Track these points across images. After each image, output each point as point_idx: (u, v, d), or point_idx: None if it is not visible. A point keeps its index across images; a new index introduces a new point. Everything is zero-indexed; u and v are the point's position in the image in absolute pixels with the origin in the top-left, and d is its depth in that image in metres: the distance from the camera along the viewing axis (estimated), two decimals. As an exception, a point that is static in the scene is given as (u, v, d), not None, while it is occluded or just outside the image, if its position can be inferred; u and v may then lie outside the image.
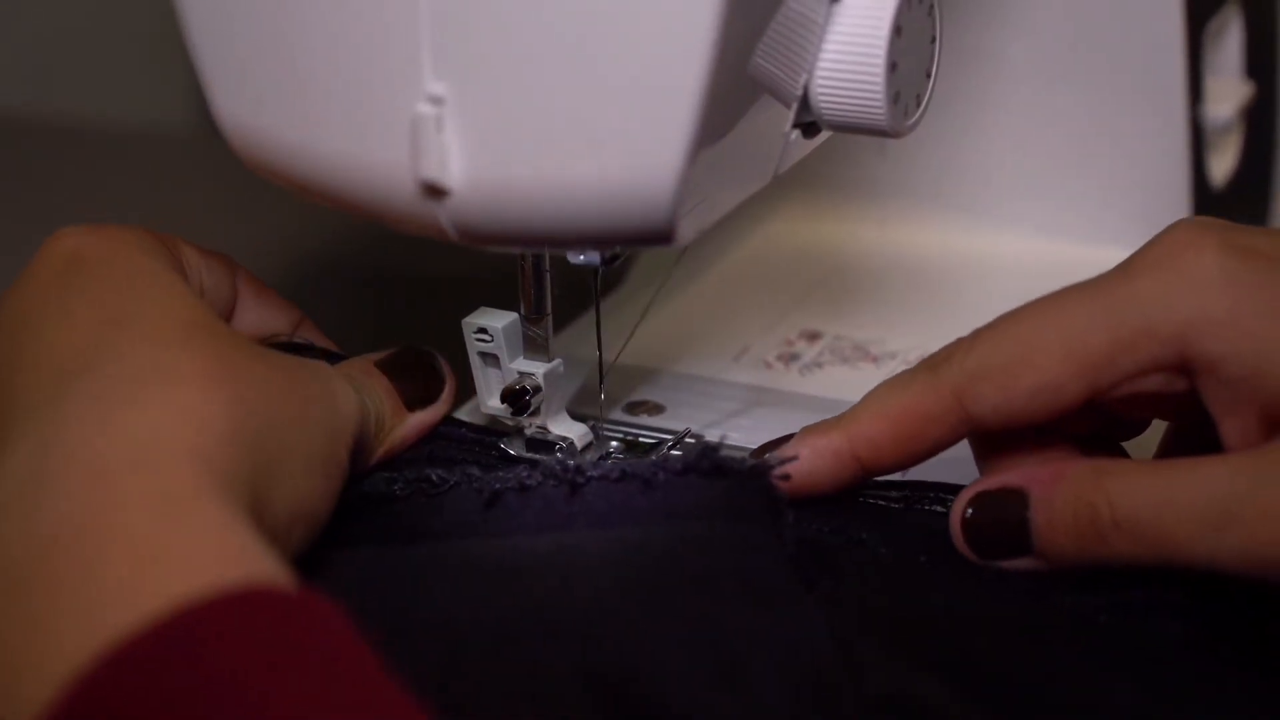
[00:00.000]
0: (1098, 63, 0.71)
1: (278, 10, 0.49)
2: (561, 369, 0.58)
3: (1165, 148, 0.71)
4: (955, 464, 0.54)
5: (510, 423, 0.58)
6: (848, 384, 0.55)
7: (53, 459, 0.44)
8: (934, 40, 0.54)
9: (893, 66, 0.51)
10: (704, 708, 0.45)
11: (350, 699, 0.38)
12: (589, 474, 0.52)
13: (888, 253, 0.74)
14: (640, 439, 0.60)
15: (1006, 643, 0.49)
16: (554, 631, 0.48)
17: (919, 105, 0.54)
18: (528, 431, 0.58)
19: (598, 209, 0.48)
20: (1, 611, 0.41)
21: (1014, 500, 0.51)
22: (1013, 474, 0.52)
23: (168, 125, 1.12)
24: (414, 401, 0.56)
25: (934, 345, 0.53)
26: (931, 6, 0.53)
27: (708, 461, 0.51)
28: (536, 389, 0.57)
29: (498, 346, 0.57)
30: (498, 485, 0.52)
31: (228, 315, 0.57)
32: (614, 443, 0.60)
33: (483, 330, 0.57)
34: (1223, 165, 0.76)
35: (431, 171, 0.48)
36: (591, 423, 0.59)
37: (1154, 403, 0.51)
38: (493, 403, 0.58)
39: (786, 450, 0.53)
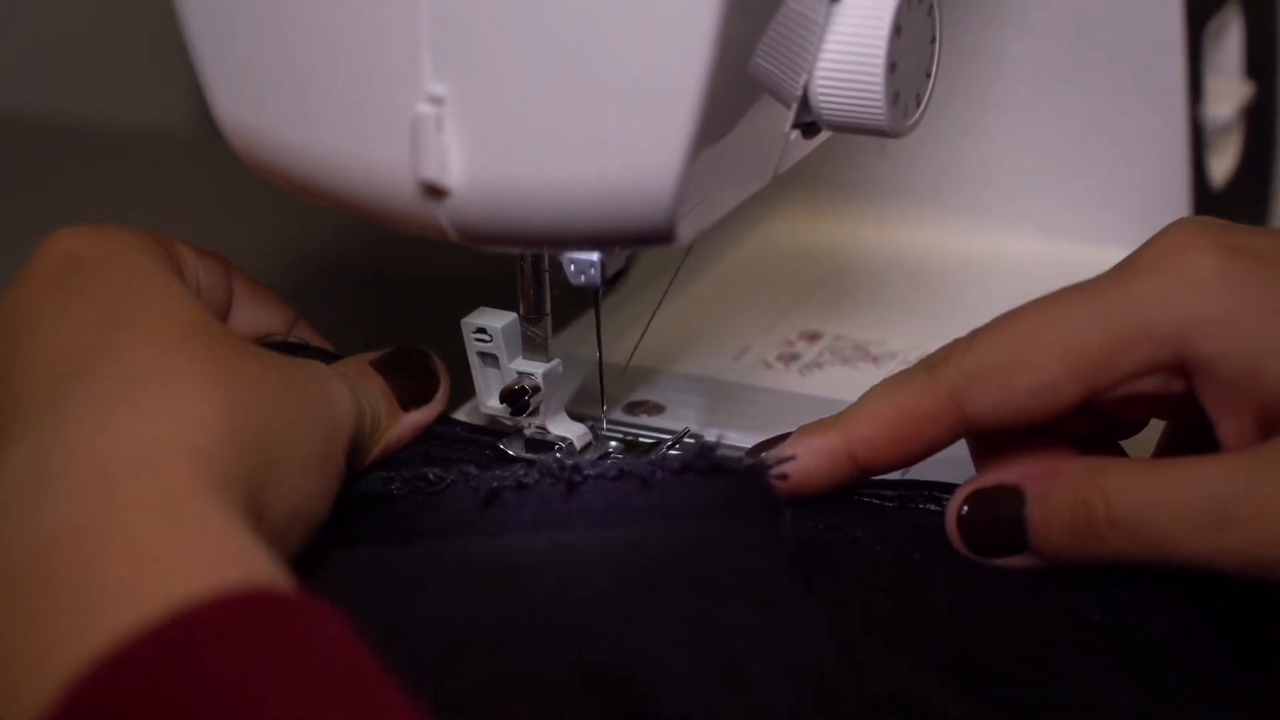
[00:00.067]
0: (1098, 63, 0.71)
1: (278, 10, 0.49)
2: (560, 369, 0.58)
3: (1165, 148, 0.71)
4: (953, 463, 0.54)
5: (509, 423, 0.58)
6: (848, 384, 0.55)
7: (52, 460, 0.44)
8: (934, 40, 0.54)
9: (892, 66, 0.51)
10: (704, 707, 0.45)
11: (348, 701, 0.38)
12: (586, 472, 0.52)
13: (888, 253, 0.74)
14: (640, 439, 0.60)
15: (1007, 642, 0.49)
16: (551, 630, 0.48)
17: (919, 105, 0.54)
18: (527, 432, 0.58)
19: (598, 209, 0.48)
20: (1, 612, 0.41)
21: (1010, 498, 0.51)
22: (1009, 471, 0.52)
23: (168, 125, 1.12)
24: (409, 401, 0.56)
25: (934, 345, 0.53)
26: (931, 6, 0.54)
27: (705, 461, 0.51)
28: (535, 389, 0.57)
29: (497, 346, 0.57)
30: (495, 484, 0.52)
31: (224, 315, 0.57)
32: (613, 443, 0.60)
33: (482, 330, 0.57)
34: (1223, 165, 0.76)
35: (431, 172, 0.48)
36: (591, 423, 0.59)
37: (1151, 403, 0.51)
38: (492, 403, 0.58)
39: (783, 450, 0.53)
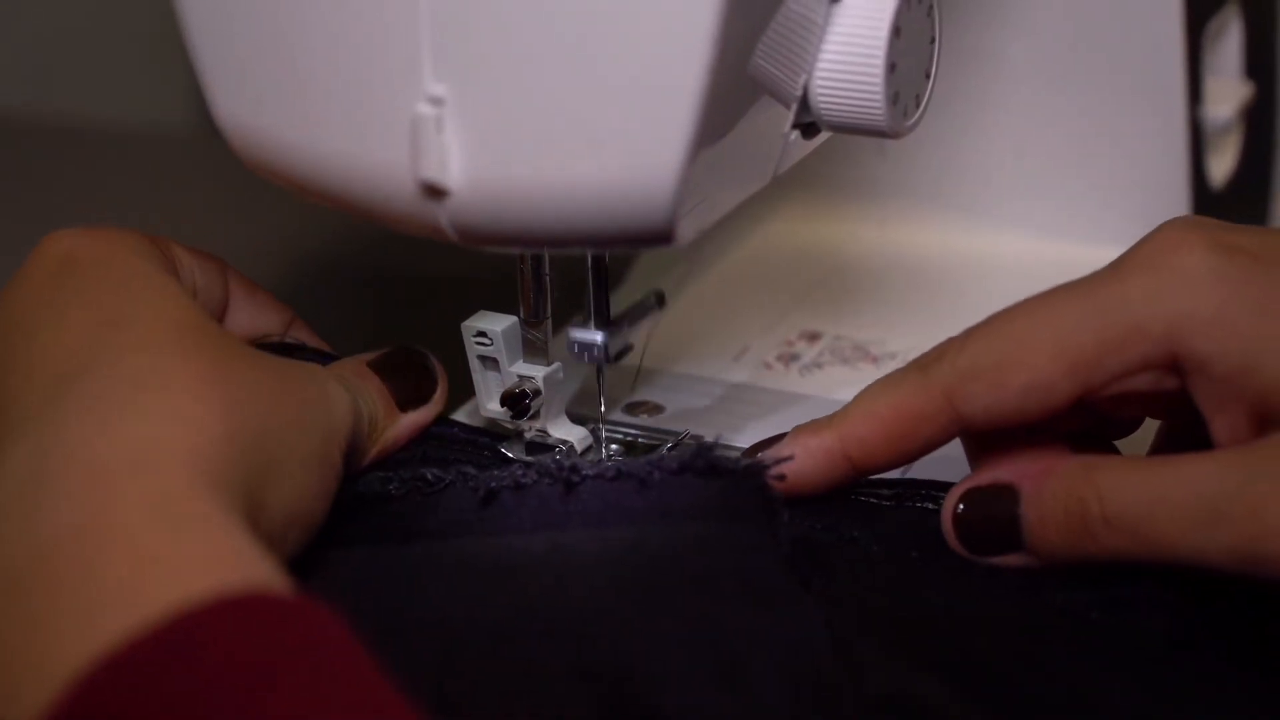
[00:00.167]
0: (1098, 63, 0.71)
1: (278, 10, 0.49)
2: (561, 373, 0.58)
3: (1165, 148, 0.71)
4: (950, 462, 0.54)
5: (510, 426, 0.58)
6: (848, 384, 0.55)
7: (52, 460, 0.44)
8: (933, 41, 0.54)
9: (892, 67, 0.51)
10: (703, 708, 0.45)
11: (346, 702, 0.38)
12: (584, 473, 0.52)
13: (888, 253, 0.74)
14: (640, 440, 0.60)
15: (1004, 641, 0.49)
16: (550, 631, 0.48)
17: (918, 106, 0.54)
18: (527, 435, 0.58)
19: (598, 209, 0.48)
20: (1, 612, 0.41)
21: (1005, 496, 0.51)
22: (1004, 470, 0.52)
23: (168, 125, 1.12)
24: (407, 402, 0.56)
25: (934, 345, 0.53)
26: (931, 7, 0.54)
27: (703, 461, 0.51)
28: (536, 392, 0.57)
29: (497, 350, 0.57)
30: (493, 484, 0.52)
31: (220, 316, 0.57)
32: (614, 444, 0.60)
33: (482, 334, 0.57)
34: (1222, 166, 0.76)
35: (431, 172, 0.48)
36: (591, 424, 0.59)
37: (1145, 401, 0.51)
38: (492, 406, 0.58)
39: (779, 450, 0.53)
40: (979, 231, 0.74)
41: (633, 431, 0.61)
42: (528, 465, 0.53)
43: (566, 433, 0.58)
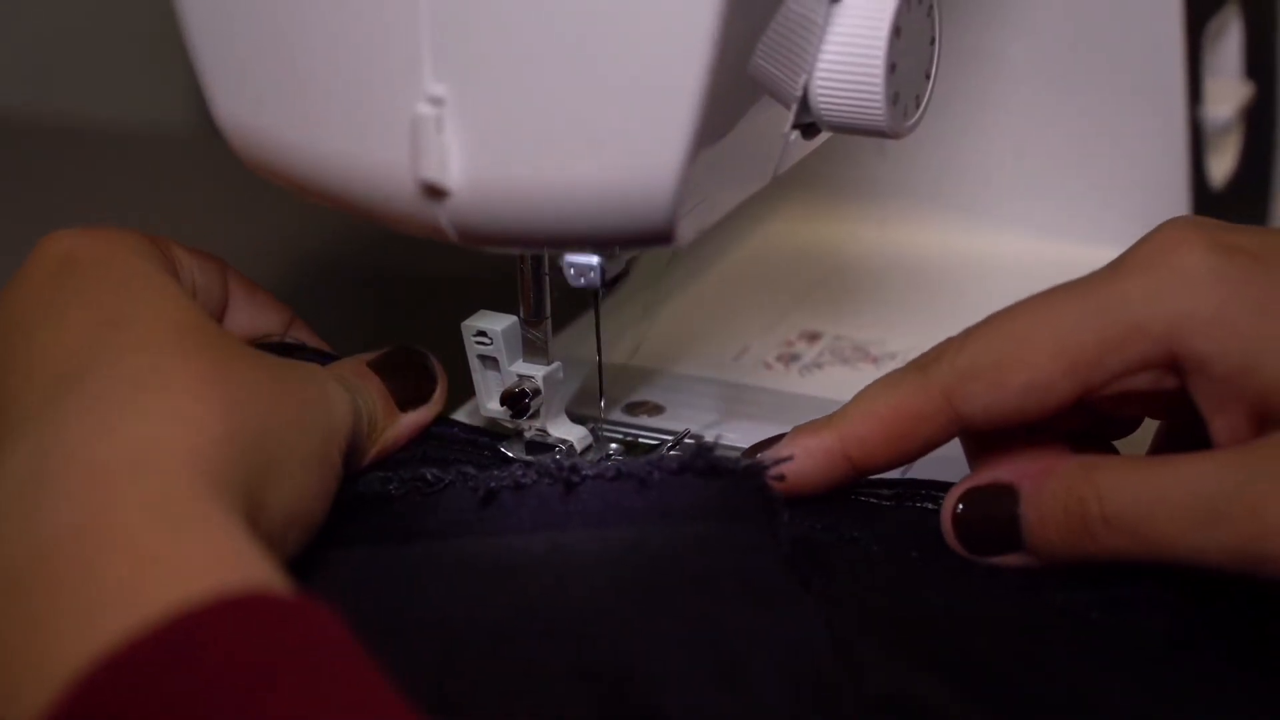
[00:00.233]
0: (1098, 63, 0.71)
1: (278, 10, 0.49)
2: (561, 373, 0.58)
3: (1165, 148, 0.71)
4: (950, 463, 0.54)
5: (510, 425, 0.58)
6: (848, 384, 0.55)
7: (52, 461, 0.44)
8: (933, 41, 0.54)
9: (892, 67, 0.51)
10: (703, 708, 0.45)
11: (345, 702, 0.38)
12: (584, 473, 0.52)
13: (888, 253, 0.74)
14: (640, 440, 0.60)
15: (1004, 641, 0.49)
16: (550, 631, 0.48)
17: (918, 106, 0.54)
18: (527, 434, 0.58)
19: (598, 209, 0.48)
20: (1, 612, 0.41)
21: (1005, 496, 0.51)
22: (1003, 469, 0.52)
23: (168, 125, 1.12)
24: (406, 401, 0.56)
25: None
26: (931, 7, 0.54)
27: (703, 461, 0.51)
28: (536, 392, 0.57)
29: (497, 349, 0.57)
30: (493, 484, 0.52)
31: (220, 316, 0.57)
32: (614, 444, 0.60)
33: (482, 333, 0.57)
34: (1222, 166, 0.76)
35: (431, 172, 0.48)
36: (591, 424, 0.59)
37: (1144, 401, 0.51)
38: (492, 405, 0.58)
39: (778, 450, 0.53)
40: (979, 231, 0.74)
41: (633, 431, 0.61)
42: (527, 465, 0.53)
43: (566, 432, 0.58)
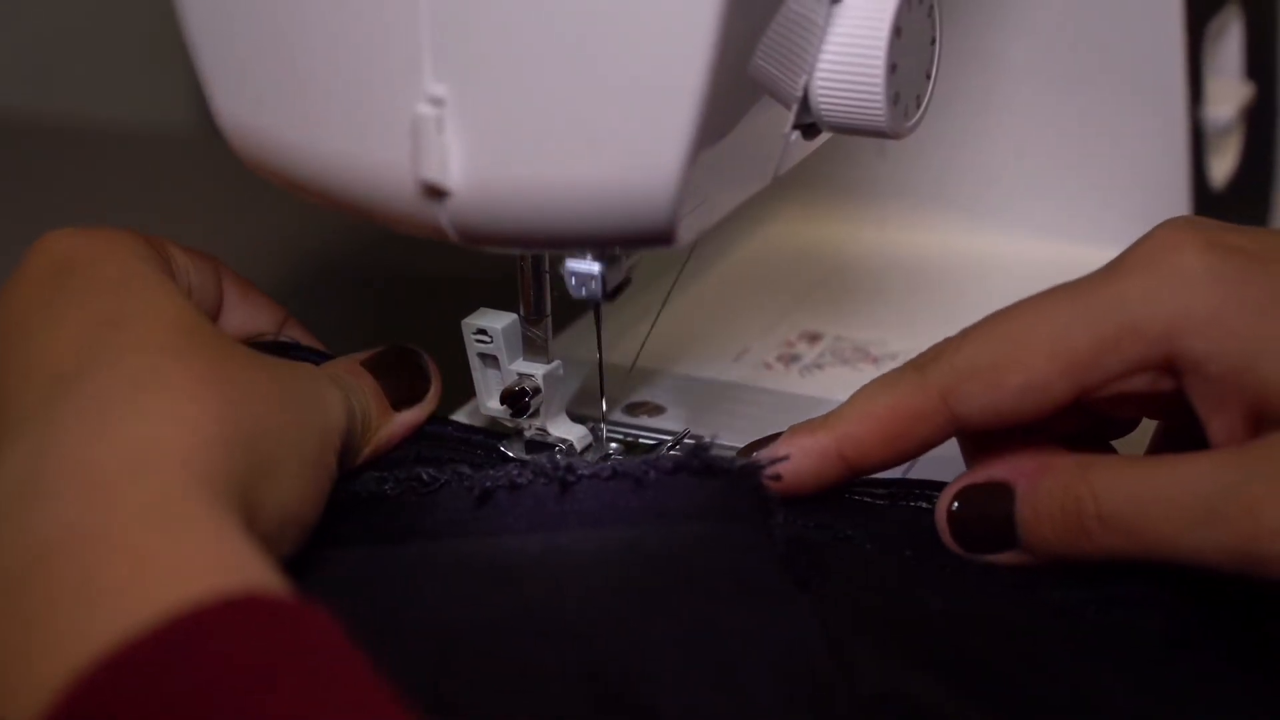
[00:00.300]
0: (1098, 63, 0.71)
1: (278, 10, 0.49)
2: (561, 371, 0.58)
3: (1165, 148, 0.71)
4: (951, 463, 0.54)
5: (510, 424, 0.58)
6: (848, 385, 0.55)
7: (49, 464, 0.43)
8: (934, 41, 0.54)
9: (892, 68, 0.51)
10: (699, 708, 0.45)
11: (342, 703, 0.38)
12: (580, 472, 0.52)
13: (888, 254, 0.74)
14: (640, 440, 0.60)
15: (999, 640, 0.49)
16: (546, 631, 0.48)
17: (919, 106, 0.54)
18: (527, 433, 0.58)
19: (598, 210, 0.48)
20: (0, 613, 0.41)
21: (1000, 494, 0.51)
22: (999, 468, 0.52)
23: (168, 125, 1.12)
24: (401, 401, 0.56)
25: (934, 346, 0.53)
26: (931, 8, 0.53)
27: (698, 461, 0.51)
28: (536, 390, 0.57)
29: (497, 348, 0.57)
30: (489, 483, 0.52)
31: (214, 315, 0.57)
32: (614, 444, 0.60)
33: (482, 331, 0.57)
34: (1223, 166, 0.76)
35: (432, 172, 0.48)
36: (591, 424, 0.59)
37: (1141, 402, 0.51)
38: (492, 404, 0.58)
39: (774, 450, 0.53)
40: (979, 232, 0.74)
41: (633, 431, 0.61)
42: (523, 465, 0.53)
43: (566, 431, 0.58)
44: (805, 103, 0.52)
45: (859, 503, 0.54)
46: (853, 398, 0.53)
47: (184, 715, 0.38)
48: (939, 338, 0.53)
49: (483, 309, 0.57)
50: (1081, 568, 0.51)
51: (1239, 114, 0.74)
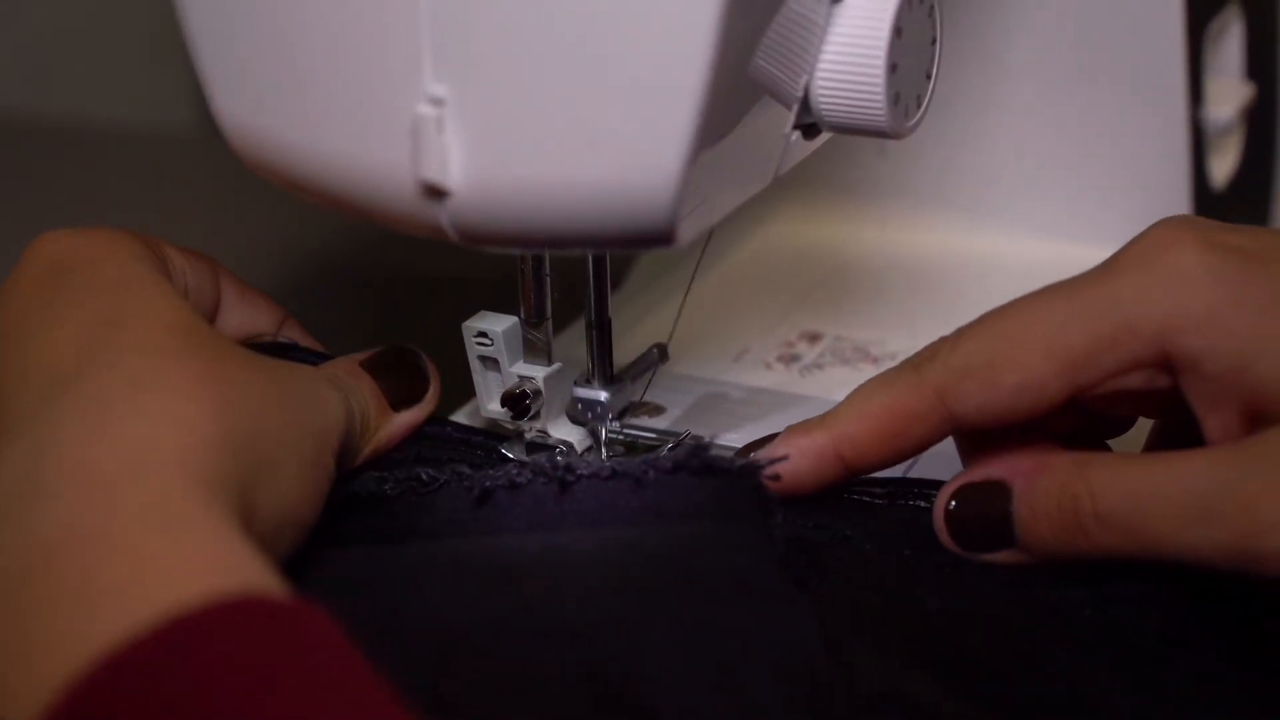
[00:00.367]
0: (1098, 64, 0.70)
1: (278, 10, 0.49)
2: (562, 373, 0.58)
3: (1166, 149, 0.71)
4: (948, 461, 0.54)
5: (510, 426, 0.58)
6: (848, 385, 0.55)
7: (48, 466, 0.43)
8: (934, 41, 0.54)
9: (893, 68, 0.51)
10: (698, 708, 0.45)
11: (341, 704, 0.38)
12: (579, 472, 0.51)
13: (888, 254, 0.74)
14: (640, 440, 0.60)
15: (998, 639, 0.49)
16: (545, 631, 0.47)
17: (919, 106, 0.54)
18: (528, 435, 0.58)
19: (598, 210, 0.48)
20: (-1, 613, 0.41)
21: (997, 492, 0.51)
22: (996, 466, 0.52)
23: (168, 125, 1.12)
24: (399, 401, 0.56)
25: (934, 347, 0.53)
26: (932, 8, 0.53)
27: (697, 461, 0.51)
28: (536, 393, 0.57)
29: (497, 350, 0.57)
30: (488, 483, 0.52)
31: (212, 316, 0.57)
32: (614, 445, 0.60)
33: (483, 334, 0.57)
34: (1223, 166, 0.76)
35: (432, 172, 0.48)
36: (591, 425, 0.59)
37: (1137, 400, 0.51)
38: (493, 406, 0.58)
39: (773, 450, 0.53)
40: (980, 232, 0.74)
41: (633, 432, 0.61)
42: (522, 464, 0.53)
43: (567, 433, 0.58)
44: (806, 103, 0.52)
45: (857, 502, 0.54)
46: (849, 397, 0.53)
47: (183, 715, 0.38)
48: (938, 337, 0.53)
49: (483, 312, 0.57)
50: (1079, 566, 0.51)
51: (1239, 114, 0.74)
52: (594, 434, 0.59)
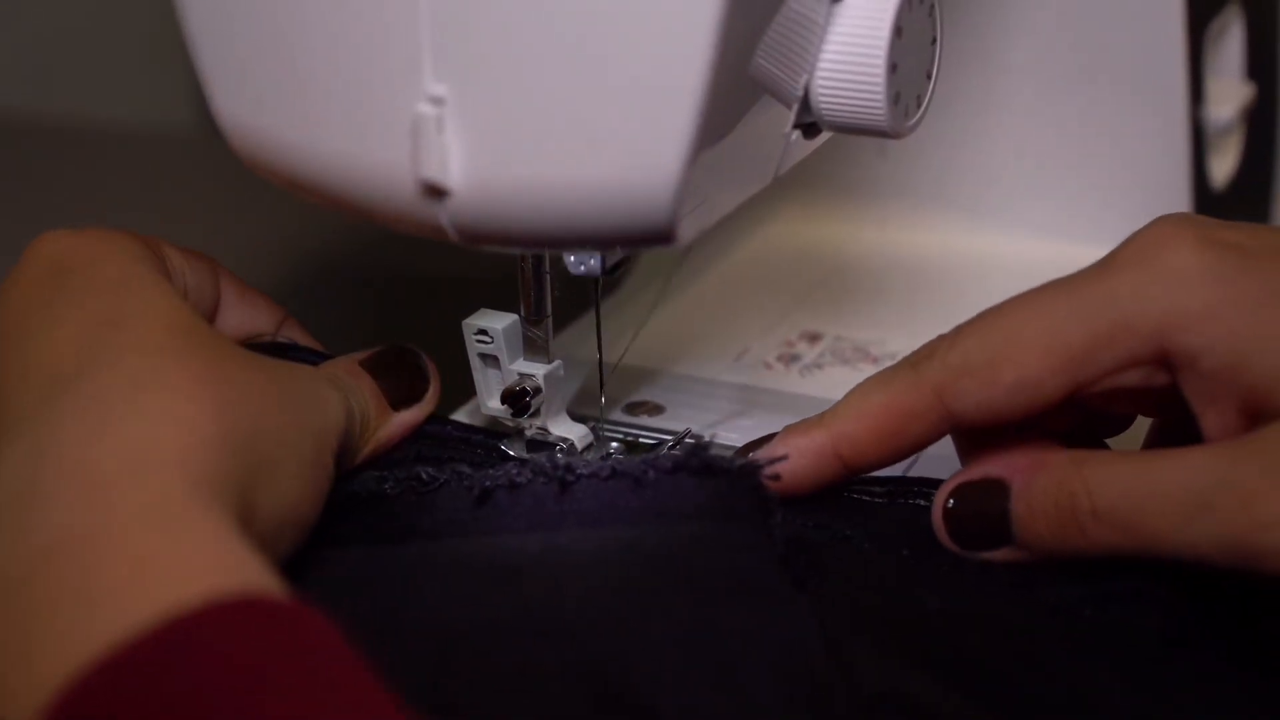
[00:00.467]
0: (1098, 64, 0.71)
1: (278, 10, 0.49)
2: (561, 371, 0.58)
3: (1166, 149, 0.71)
4: (948, 461, 0.54)
5: (510, 424, 0.58)
6: (848, 385, 0.55)
7: (47, 467, 0.43)
8: (934, 41, 0.54)
9: (893, 67, 0.51)
10: (698, 708, 0.45)
11: (340, 705, 0.38)
12: (579, 471, 0.51)
13: (888, 254, 0.74)
14: (640, 440, 0.60)
15: (997, 639, 0.49)
16: (545, 631, 0.47)
17: (919, 106, 0.54)
18: (528, 433, 0.58)
19: (598, 209, 0.48)
20: (-2, 615, 0.41)
21: (995, 490, 0.51)
22: (994, 464, 0.52)
23: (168, 125, 1.12)
24: (399, 401, 0.56)
25: (935, 347, 0.53)
26: (932, 7, 0.53)
27: (697, 460, 0.51)
28: (536, 390, 0.57)
29: (498, 348, 0.57)
30: (488, 483, 0.52)
31: (211, 316, 0.57)
32: (614, 444, 0.60)
33: (483, 332, 0.57)
34: (1223, 166, 0.76)
35: (432, 172, 0.48)
36: (592, 424, 0.59)
37: (1135, 398, 0.51)
38: (493, 404, 0.58)
39: (772, 450, 0.53)
40: (980, 232, 0.74)
41: (633, 431, 0.61)
42: (522, 464, 0.52)
43: (567, 431, 0.58)
44: (806, 102, 0.52)
45: (856, 501, 0.54)
46: (847, 396, 0.53)
47: (183, 716, 0.38)
48: (936, 336, 0.53)
49: (483, 309, 0.57)
50: (1077, 564, 0.51)
51: (1239, 114, 0.74)
52: (596, 287, 0.57)
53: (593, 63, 0.46)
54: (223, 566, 0.41)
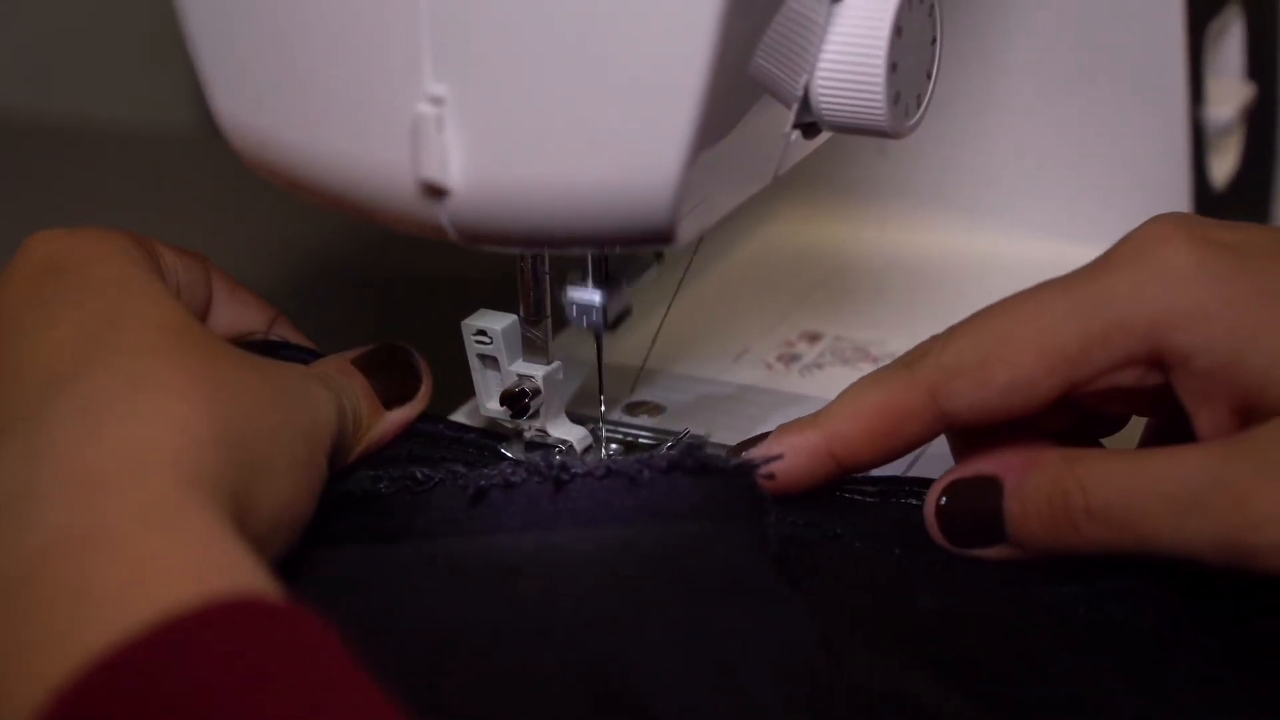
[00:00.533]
0: (1099, 64, 0.71)
1: (278, 10, 0.49)
2: (560, 372, 0.58)
3: (1166, 149, 0.71)
4: (948, 460, 0.54)
5: (509, 425, 0.58)
6: (847, 385, 0.55)
7: (44, 467, 0.43)
8: (934, 41, 0.54)
9: (893, 67, 0.51)
10: (697, 708, 0.45)
11: (335, 706, 0.38)
12: (574, 471, 0.51)
13: (888, 253, 0.74)
14: (640, 440, 0.60)
15: (992, 638, 0.50)
16: (541, 631, 0.47)
17: (919, 106, 0.54)
18: (527, 434, 0.58)
19: (597, 209, 0.48)
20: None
21: (988, 488, 0.51)
22: (987, 462, 0.52)
23: (168, 125, 1.12)
24: (391, 399, 0.56)
25: (935, 347, 0.53)
26: (932, 7, 0.53)
27: (693, 460, 0.51)
28: (536, 391, 0.57)
29: (497, 349, 0.57)
30: (483, 482, 0.52)
31: (203, 314, 0.57)
32: (614, 444, 0.60)
33: (482, 332, 0.57)
34: (1223, 166, 0.76)
35: (432, 171, 0.48)
36: (591, 424, 0.59)
37: (1129, 397, 0.51)
38: (492, 405, 0.58)
39: (766, 449, 0.53)
40: (980, 232, 0.74)
41: (633, 432, 0.61)
42: (517, 463, 0.52)
43: (566, 432, 0.58)
44: (806, 102, 0.52)
45: (849, 500, 0.54)
46: (841, 395, 0.53)
47: (181, 716, 0.38)
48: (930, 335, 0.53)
49: (482, 310, 0.57)
50: (1070, 562, 0.51)
51: (1239, 114, 0.74)
52: (598, 338, 0.57)
53: (592, 63, 0.46)
54: (218, 567, 0.41)
